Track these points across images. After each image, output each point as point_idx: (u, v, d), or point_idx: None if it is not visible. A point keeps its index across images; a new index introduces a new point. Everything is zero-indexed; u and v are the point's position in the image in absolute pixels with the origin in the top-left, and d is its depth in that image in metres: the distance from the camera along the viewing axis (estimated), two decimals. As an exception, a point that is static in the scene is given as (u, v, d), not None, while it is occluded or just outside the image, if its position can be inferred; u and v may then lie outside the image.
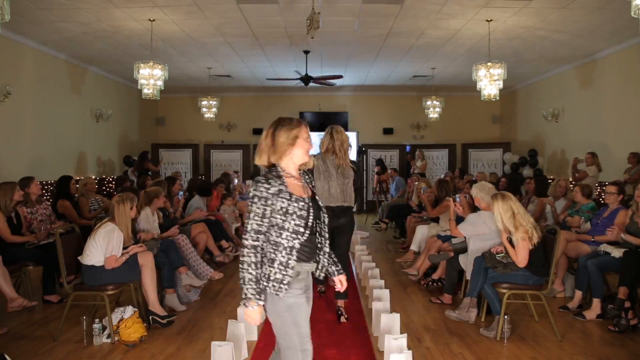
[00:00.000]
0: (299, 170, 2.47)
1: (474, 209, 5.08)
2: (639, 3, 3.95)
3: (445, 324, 4.43)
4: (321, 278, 2.53)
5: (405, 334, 3.55)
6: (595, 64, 9.00)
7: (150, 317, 4.30)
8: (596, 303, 4.55)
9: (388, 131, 13.89)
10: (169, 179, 6.96)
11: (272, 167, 2.42)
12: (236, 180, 9.64)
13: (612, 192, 5.15)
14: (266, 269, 2.32)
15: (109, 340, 3.96)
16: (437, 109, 11.65)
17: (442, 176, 9.97)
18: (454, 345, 3.96)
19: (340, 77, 9.83)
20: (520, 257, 4.11)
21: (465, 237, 4.87)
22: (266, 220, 2.31)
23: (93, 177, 7.49)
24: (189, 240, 5.51)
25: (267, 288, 2.31)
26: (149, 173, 10.16)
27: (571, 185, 7.65)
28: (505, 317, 4.06)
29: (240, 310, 4.08)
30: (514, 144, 12.56)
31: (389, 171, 11.56)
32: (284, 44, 8.45)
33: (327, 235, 2.52)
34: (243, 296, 2.30)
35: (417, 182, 8.54)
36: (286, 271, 2.30)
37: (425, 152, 12.81)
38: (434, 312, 4.78)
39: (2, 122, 7.33)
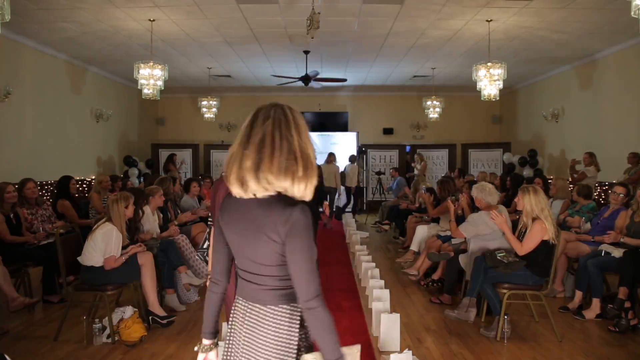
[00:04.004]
0: None
1: (474, 209, 5.08)
2: (639, 3, 3.95)
3: (445, 324, 4.43)
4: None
5: (410, 351, 3.35)
6: (595, 64, 9.00)
7: (150, 317, 4.30)
8: (596, 303, 4.55)
9: (388, 131, 13.88)
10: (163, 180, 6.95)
11: None
12: None
13: (620, 193, 5.14)
14: None
15: (109, 340, 3.95)
16: (437, 109, 11.65)
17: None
18: (454, 345, 3.96)
19: (344, 80, 9.84)
20: (526, 246, 4.09)
21: (465, 238, 4.87)
22: None
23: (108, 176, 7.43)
24: (188, 240, 5.50)
25: None
26: (169, 173, 10.34)
27: (570, 186, 7.65)
28: (505, 317, 4.06)
29: None
30: (514, 144, 12.55)
31: (390, 171, 11.57)
32: (284, 44, 8.45)
33: None
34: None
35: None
36: None
37: (425, 152, 12.81)
38: (434, 312, 4.78)
39: (2, 122, 7.33)
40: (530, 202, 4.15)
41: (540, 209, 4.13)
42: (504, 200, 7.46)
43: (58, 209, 6.20)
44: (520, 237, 4.26)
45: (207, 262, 2.01)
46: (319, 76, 9.50)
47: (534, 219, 4.14)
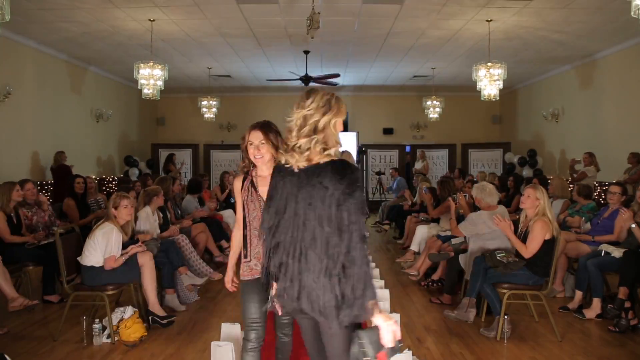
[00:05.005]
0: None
1: (474, 208, 5.08)
2: (639, 3, 3.96)
3: (446, 324, 4.43)
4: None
5: (410, 351, 3.36)
6: (595, 64, 9.00)
7: (150, 317, 4.30)
8: (596, 303, 4.55)
9: (388, 131, 13.89)
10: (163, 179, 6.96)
11: None
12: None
13: (616, 192, 5.16)
14: None
15: (109, 341, 3.95)
16: (437, 109, 11.66)
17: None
18: (454, 345, 3.95)
19: (337, 75, 9.83)
20: (531, 248, 4.08)
21: (465, 237, 4.87)
22: None
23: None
24: (189, 241, 5.50)
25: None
26: (169, 173, 10.28)
27: (570, 186, 7.65)
28: (505, 317, 4.06)
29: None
30: (514, 144, 12.56)
31: (390, 171, 11.58)
32: (284, 44, 8.45)
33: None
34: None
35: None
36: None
37: (426, 152, 12.80)
38: (434, 312, 4.78)
39: (2, 122, 7.33)
40: (543, 197, 4.16)
41: (549, 207, 4.16)
42: (504, 200, 7.47)
43: (63, 207, 6.20)
44: (521, 238, 4.26)
45: None
46: (314, 77, 9.49)
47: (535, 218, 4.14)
